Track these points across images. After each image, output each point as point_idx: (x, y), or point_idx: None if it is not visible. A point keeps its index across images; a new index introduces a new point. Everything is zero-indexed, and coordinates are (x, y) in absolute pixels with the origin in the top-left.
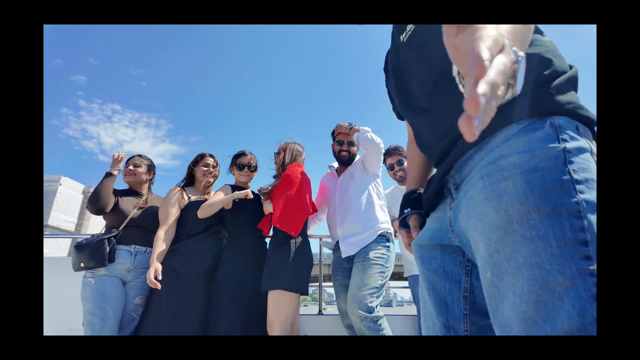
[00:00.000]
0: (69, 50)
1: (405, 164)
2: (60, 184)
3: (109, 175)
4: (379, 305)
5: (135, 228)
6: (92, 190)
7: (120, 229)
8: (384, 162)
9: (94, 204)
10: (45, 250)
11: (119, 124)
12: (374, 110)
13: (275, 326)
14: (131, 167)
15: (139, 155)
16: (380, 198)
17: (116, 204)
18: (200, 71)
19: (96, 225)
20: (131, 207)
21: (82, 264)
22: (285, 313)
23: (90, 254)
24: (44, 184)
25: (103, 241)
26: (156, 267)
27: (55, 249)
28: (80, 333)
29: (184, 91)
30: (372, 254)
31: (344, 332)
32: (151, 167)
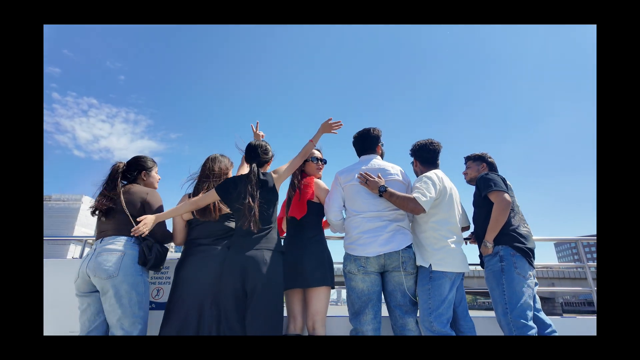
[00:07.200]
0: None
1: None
2: (82, 202)
3: None
4: (360, 322)
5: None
6: None
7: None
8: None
9: None
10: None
11: (95, 119)
12: (366, 108)
13: (324, 321)
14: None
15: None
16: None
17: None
18: (182, 67)
19: None
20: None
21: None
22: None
23: (158, 258)
24: (69, 202)
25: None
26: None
27: None
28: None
29: (164, 87)
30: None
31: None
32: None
